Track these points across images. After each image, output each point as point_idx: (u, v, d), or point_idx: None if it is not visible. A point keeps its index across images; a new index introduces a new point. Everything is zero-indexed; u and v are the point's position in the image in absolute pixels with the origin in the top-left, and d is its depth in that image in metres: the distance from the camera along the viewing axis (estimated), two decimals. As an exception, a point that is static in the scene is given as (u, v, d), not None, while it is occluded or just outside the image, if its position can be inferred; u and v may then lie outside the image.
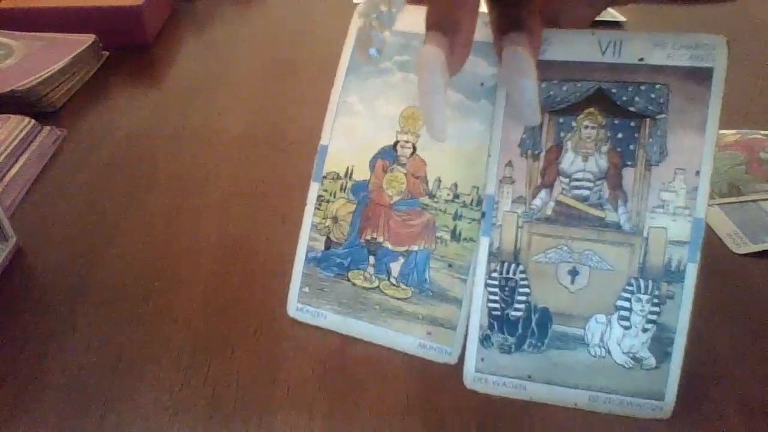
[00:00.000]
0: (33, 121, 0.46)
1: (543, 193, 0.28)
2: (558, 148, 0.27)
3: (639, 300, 0.27)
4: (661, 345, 0.26)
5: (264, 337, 0.31)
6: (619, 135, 0.27)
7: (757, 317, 0.33)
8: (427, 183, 0.30)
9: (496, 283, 0.28)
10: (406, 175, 0.30)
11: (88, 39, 0.58)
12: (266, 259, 0.36)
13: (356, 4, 0.78)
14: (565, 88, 0.27)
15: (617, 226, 0.27)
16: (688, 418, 0.27)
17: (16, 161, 0.43)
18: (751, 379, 0.29)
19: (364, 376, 0.29)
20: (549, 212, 0.27)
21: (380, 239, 0.30)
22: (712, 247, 0.37)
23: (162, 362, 0.30)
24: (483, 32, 0.27)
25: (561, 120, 0.27)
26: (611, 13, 0.71)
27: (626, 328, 0.27)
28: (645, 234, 0.26)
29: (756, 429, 0.27)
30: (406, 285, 0.30)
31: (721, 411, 0.28)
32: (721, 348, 0.31)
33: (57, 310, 0.33)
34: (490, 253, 0.28)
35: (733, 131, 0.48)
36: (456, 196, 0.29)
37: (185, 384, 0.29)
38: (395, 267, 0.30)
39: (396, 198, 0.30)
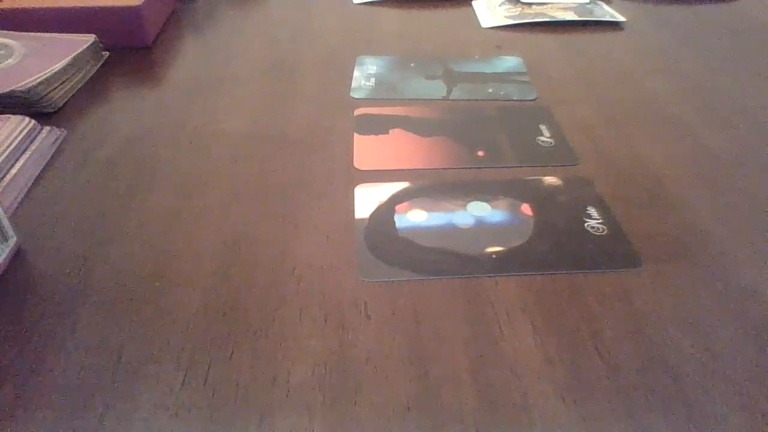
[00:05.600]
0: (33, 121, 0.46)
1: None
2: None
3: None
4: None
5: (264, 337, 0.31)
6: None
7: (757, 317, 0.33)
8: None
9: None
10: None
11: (88, 39, 0.58)
12: (266, 259, 0.36)
13: (356, 4, 0.79)
14: None
15: None
16: (688, 419, 0.27)
17: (16, 161, 0.43)
18: (751, 379, 0.29)
19: (364, 376, 0.29)
20: None
21: None
22: (711, 247, 0.37)
23: (162, 362, 0.30)
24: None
25: None
26: (611, 13, 0.71)
27: None
28: None
29: (756, 429, 0.27)
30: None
31: (721, 411, 0.28)
32: (721, 348, 0.31)
33: (57, 310, 0.33)
34: None
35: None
36: None
37: (185, 384, 0.29)
38: None
39: None
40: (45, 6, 0.61)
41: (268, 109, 0.52)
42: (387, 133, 0.49)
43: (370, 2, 0.77)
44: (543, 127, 0.50)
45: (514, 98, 0.54)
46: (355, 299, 0.33)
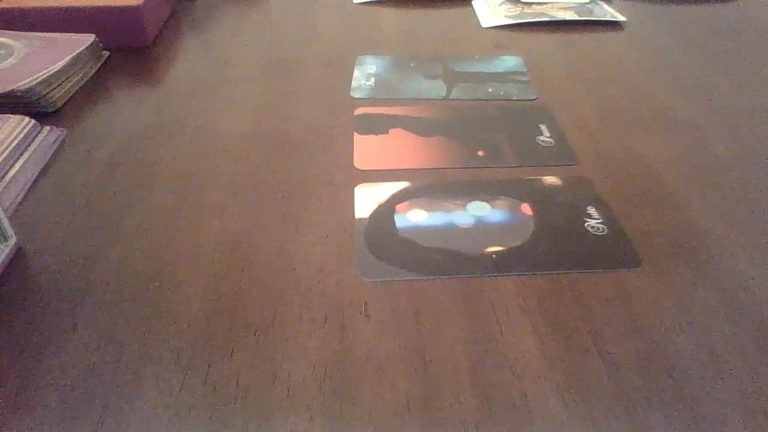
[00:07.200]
0: (33, 121, 0.46)
1: None
2: None
3: None
4: None
5: (264, 337, 0.31)
6: None
7: (756, 317, 0.33)
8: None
9: None
10: None
11: (88, 39, 0.58)
12: (266, 259, 0.36)
13: (356, 4, 0.79)
14: None
15: None
16: (688, 419, 0.27)
17: (16, 161, 0.43)
18: (751, 379, 0.29)
19: (364, 376, 0.29)
20: None
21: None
22: (711, 246, 0.37)
23: (162, 362, 0.30)
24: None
25: None
26: (611, 13, 0.71)
27: None
28: None
29: (756, 429, 0.27)
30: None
31: (721, 411, 0.28)
32: (721, 348, 0.31)
33: (57, 310, 0.33)
34: None
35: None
36: None
37: (185, 384, 0.29)
38: None
39: None
40: (45, 6, 0.61)
41: (268, 108, 0.52)
42: (387, 132, 0.49)
43: (370, 2, 0.77)
44: (543, 127, 0.50)
45: (514, 98, 0.54)
46: (355, 299, 0.33)
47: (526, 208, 0.40)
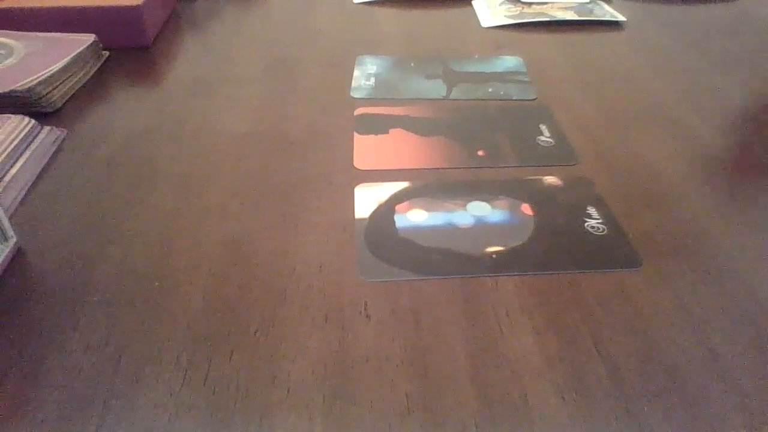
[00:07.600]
0: (33, 121, 0.46)
1: None
2: None
3: None
4: None
5: (264, 337, 0.31)
6: None
7: (757, 318, 0.33)
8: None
9: None
10: None
11: (88, 39, 0.58)
12: (266, 259, 0.36)
13: (356, 4, 0.79)
14: None
15: None
16: (688, 419, 0.27)
17: (16, 161, 0.43)
18: (751, 379, 0.29)
19: (363, 376, 0.29)
20: None
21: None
22: (711, 246, 0.37)
23: (162, 362, 0.30)
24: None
25: None
26: (611, 13, 0.71)
27: None
28: None
29: (756, 429, 0.27)
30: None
31: (721, 411, 0.28)
32: (721, 348, 0.31)
33: (57, 310, 0.33)
34: None
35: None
36: None
37: (185, 384, 0.29)
38: None
39: None
40: (45, 6, 0.61)
41: (268, 108, 0.52)
42: (387, 132, 0.49)
43: (370, 2, 0.77)
44: (543, 127, 0.50)
45: (514, 98, 0.54)
46: (355, 299, 0.33)
47: (526, 208, 0.40)
